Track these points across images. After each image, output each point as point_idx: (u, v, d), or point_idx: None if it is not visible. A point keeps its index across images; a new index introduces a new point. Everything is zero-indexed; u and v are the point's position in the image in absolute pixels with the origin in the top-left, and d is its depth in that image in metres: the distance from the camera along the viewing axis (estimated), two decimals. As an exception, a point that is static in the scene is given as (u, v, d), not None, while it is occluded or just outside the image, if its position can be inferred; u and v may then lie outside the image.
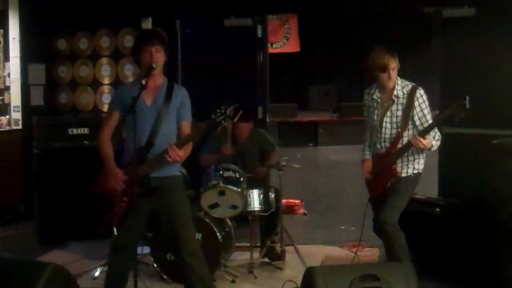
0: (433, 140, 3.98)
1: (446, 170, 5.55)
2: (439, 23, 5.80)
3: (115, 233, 3.65)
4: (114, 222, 3.58)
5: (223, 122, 3.40)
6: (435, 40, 11.72)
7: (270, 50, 8.39)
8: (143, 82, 3.44)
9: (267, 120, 6.45)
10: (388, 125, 4.09)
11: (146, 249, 4.67)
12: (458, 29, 5.42)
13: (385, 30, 13.23)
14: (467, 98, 3.77)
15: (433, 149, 4.03)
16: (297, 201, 6.98)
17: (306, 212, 6.94)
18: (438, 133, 4.01)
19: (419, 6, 6.01)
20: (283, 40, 15.07)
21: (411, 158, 4.08)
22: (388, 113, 4.08)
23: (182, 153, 3.47)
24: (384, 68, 3.99)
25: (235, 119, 3.65)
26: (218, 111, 3.37)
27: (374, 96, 4.18)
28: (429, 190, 5.42)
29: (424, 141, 3.90)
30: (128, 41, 6.51)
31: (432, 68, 11.44)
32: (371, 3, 6.46)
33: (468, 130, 5.03)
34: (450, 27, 5.53)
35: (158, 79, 3.67)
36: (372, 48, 4.09)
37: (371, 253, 5.06)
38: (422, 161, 4.13)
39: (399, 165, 4.07)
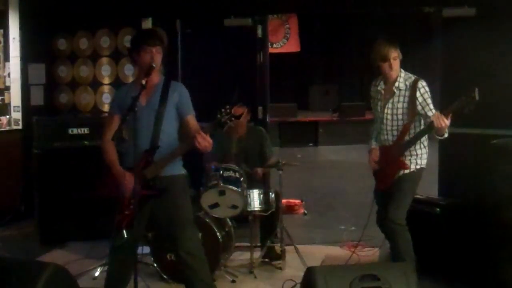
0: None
1: (446, 170, 5.55)
2: (439, 23, 5.80)
3: (125, 235, 3.58)
4: (124, 224, 3.54)
5: (228, 121, 3.33)
6: (435, 40, 11.70)
7: (270, 50, 8.38)
8: (143, 82, 3.44)
9: (267, 120, 6.44)
10: (389, 117, 4.11)
11: (146, 249, 4.67)
12: (458, 29, 5.42)
13: (385, 30, 13.19)
14: (476, 89, 3.69)
15: (445, 135, 3.86)
16: (297, 201, 6.98)
17: (306, 212, 6.93)
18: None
19: (419, 6, 5.99)
20: (283, 40, 15.05)
21: (414, 153, 4.09)
22: (389, 105, 4.11)
23: (210, 140, 3.37)
24: (385, 58, 4.05)
25: (241, 118, 3.59)
26: (223, 110, 3.32)
27: (379, 88, 4.22)
28: (429, 190, 5.42)
29: (446, 121, 3.73)
30: (128, 41, 6.49)
31: (432, 68, 11.42)
32: (371, 3, 6.44)
33: (468, 130, 5.03)
34: (450, 27, 5.53)
35: (154, 78, 3.65)
36: (372, 45, 4.12)
37: (371, 253, 5.06)
38: (425, 156, 4.14)
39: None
